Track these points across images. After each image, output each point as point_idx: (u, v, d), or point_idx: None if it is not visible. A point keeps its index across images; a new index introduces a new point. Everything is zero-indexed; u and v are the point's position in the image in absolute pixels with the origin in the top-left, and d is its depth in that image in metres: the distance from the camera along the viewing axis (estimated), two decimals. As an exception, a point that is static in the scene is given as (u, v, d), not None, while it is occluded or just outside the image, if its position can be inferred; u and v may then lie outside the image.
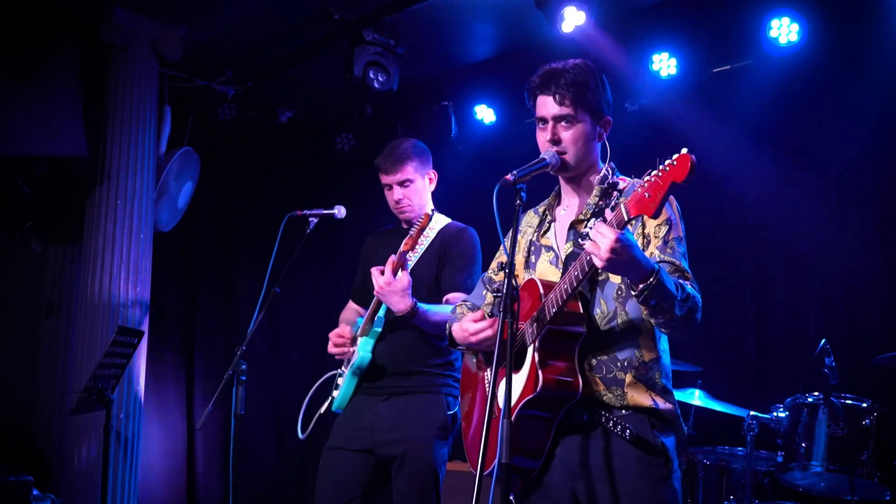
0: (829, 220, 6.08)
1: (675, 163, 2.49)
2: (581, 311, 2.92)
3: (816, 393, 4.91)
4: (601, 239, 2.60)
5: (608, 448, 2.88)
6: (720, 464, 5.55)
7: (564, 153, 3.04)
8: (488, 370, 3.24)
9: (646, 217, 2.86)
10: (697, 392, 5.60)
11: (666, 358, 3.01)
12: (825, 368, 4.78)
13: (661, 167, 2.52)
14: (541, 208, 3.28)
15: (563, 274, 2.95)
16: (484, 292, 3.43)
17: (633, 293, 2.71)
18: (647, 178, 2.56)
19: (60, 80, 6.36)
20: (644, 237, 2.93)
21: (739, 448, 5.42)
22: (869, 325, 5.78)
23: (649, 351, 2.94)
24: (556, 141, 3.04)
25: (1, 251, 7.20)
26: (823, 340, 4.83)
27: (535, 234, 3.22)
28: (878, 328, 5.72)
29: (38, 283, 7.38)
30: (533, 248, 3.20)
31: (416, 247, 4.23)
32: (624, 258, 2.60)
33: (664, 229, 2.92)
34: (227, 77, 7.45)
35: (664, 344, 3.01)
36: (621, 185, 2.96)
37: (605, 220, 2.66)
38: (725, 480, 5.53)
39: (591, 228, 2.69)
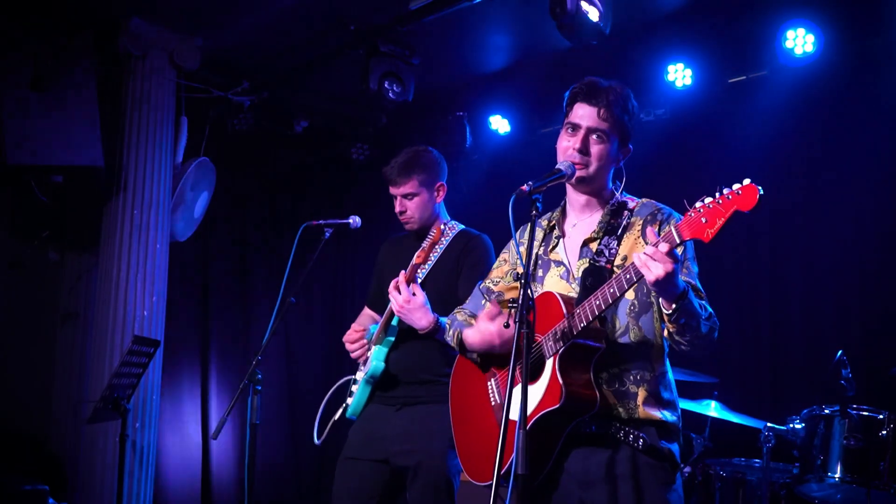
0: (845, 230, 6.05)
1: (739, 192, 2.51)
2: (600, 326, 2.94)
3: (833, 404, 4.88)
4: (654, 263, 2.61)
5: (620, 457, 2.91)
6: (736, 476, 5.52)
7: (585, 166, 3.04)
8: (492, 380, 3.25)
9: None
10: (714, 403, 5.58)
11: (671, 372, 3.06)
12: (842, 380, 4.76)
13: (720, 195, 2.54)
14: (544, 222, 3.27)
15: (581, 290, 2.98)
16: (483, 302, 3.42)
17: (665, 312, 2.74)
18: (701, 203, 2.57)
19: (77, 90, 6.37)
20: None
21: (756, 460, 5.40)
22: (886, 337, 5.74)
23: (659, 366, 2.99)
24: (584, 151, 3.03)
25: (18, 259, 7.23)
26: (840, 352, 4.81)
27: (541, 247, 3.22)
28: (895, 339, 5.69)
29: (55, 291, 7.42)
30: (540, 261, 3.20)
31: (431, 255, 4.23)
32: (673, 279, 2.63)
33: (681, 249, 2.91)
34: (244, 87, 7.47)
35: (667, 359, 3.05)
36: (631, 205, 3.02)
37: (646, 242, 2.68)
38: (742, 492, 5.50)
39: (604, 246, 2.70)
